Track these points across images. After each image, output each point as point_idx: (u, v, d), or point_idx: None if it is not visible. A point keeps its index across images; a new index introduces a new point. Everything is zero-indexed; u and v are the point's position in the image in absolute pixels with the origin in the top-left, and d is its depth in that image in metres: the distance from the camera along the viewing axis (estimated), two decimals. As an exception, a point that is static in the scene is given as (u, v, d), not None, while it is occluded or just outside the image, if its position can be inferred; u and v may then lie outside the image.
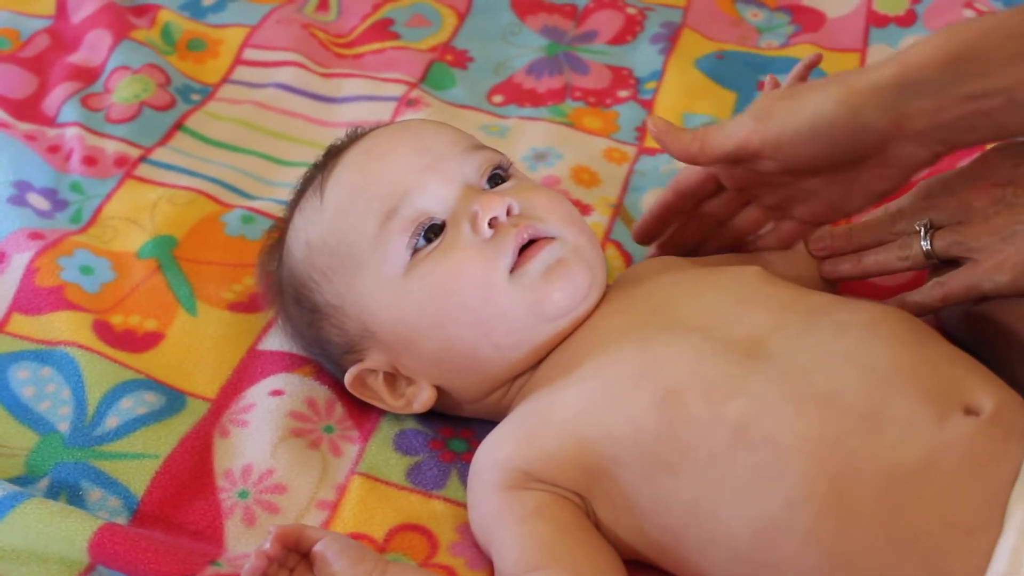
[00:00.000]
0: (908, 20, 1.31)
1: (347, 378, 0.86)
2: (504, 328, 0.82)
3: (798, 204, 0.91)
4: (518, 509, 0.77)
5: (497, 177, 0.87)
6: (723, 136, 0.87)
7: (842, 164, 0.85)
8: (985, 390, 0.73)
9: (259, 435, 0.88)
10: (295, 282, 0.88)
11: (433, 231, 0.82)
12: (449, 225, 0.83)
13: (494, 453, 0.80)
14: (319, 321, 0.87)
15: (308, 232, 0.86)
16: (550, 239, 0.83)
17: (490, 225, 0.81)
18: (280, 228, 0.93)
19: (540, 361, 0.84)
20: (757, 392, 0.73)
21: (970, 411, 0.71)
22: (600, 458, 0.76)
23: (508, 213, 0.82)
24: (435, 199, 0.83)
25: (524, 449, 0.78)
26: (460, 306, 0.81)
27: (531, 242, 0.82)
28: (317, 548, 0.74)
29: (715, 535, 0.73)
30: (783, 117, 0.83)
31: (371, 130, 0.91)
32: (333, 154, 0.90)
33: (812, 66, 0.99)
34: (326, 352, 0.89)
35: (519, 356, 0.84)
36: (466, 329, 0.82)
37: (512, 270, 0.81)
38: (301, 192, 0.91)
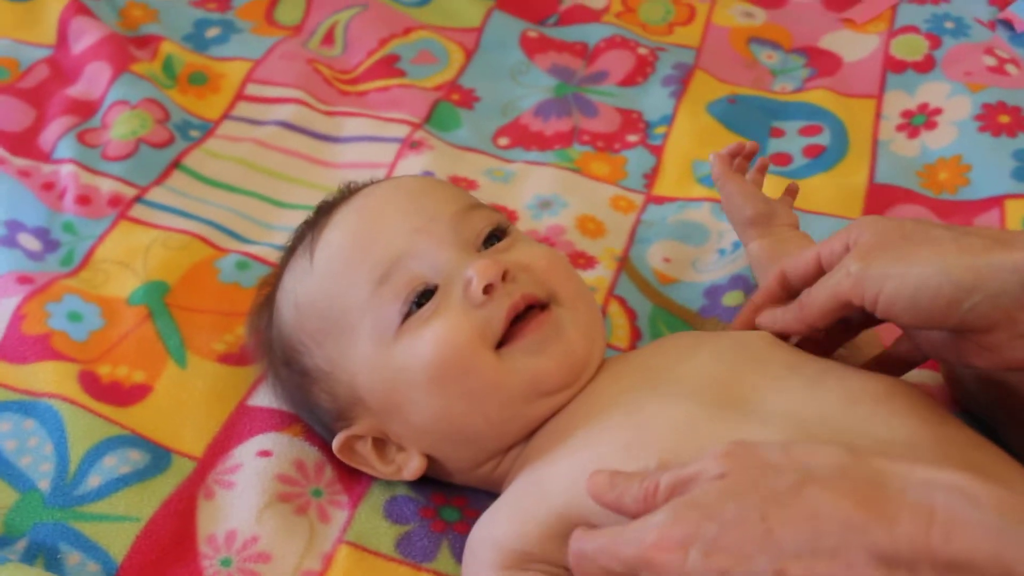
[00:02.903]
0: (927, 66, 1.28)
1: (335, 445, 0.83)
2: (497, 402, 0.79)
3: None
4: None
5: (494, 238, 0.84)
6: (822, 300, 0.76)
7: (941, 329, 0.74)
8: (1010, 479, 0.70)
9: (245, 498, 0.85)
10: (284, 345, 0.85)
11: (426, 296, 0.79)
12: (442, 290, 0.79)
13: (491, 531, 0.77)
14: (309, 385, 0.84)
15: (297, 294, 0.84)
16: (546, 309, 0.80)
17: (484, 291, 0.78)
18: (270, 284, 0.90)
19: (534, 431, 0.81)
20: None
21: None
22: None
23: (503, 278, 0.79)
24: (428, 263, 0.80)
25: (520, 527, 0.75)
26: (448, 377, 0.78)
27: (528, 308, 0.80)
28: None
29: None
30: (884, 278, 0.72)
31: (363, 186, 0.88)
32: (324, 211, 0.87)
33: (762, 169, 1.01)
34: (316, 417, 0.86)
35: (513, 429, 0.81)
36: (456, 400, 0.79)
37: (504, 344, 0.78)
38: (291, 251, 0.88)
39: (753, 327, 0.85)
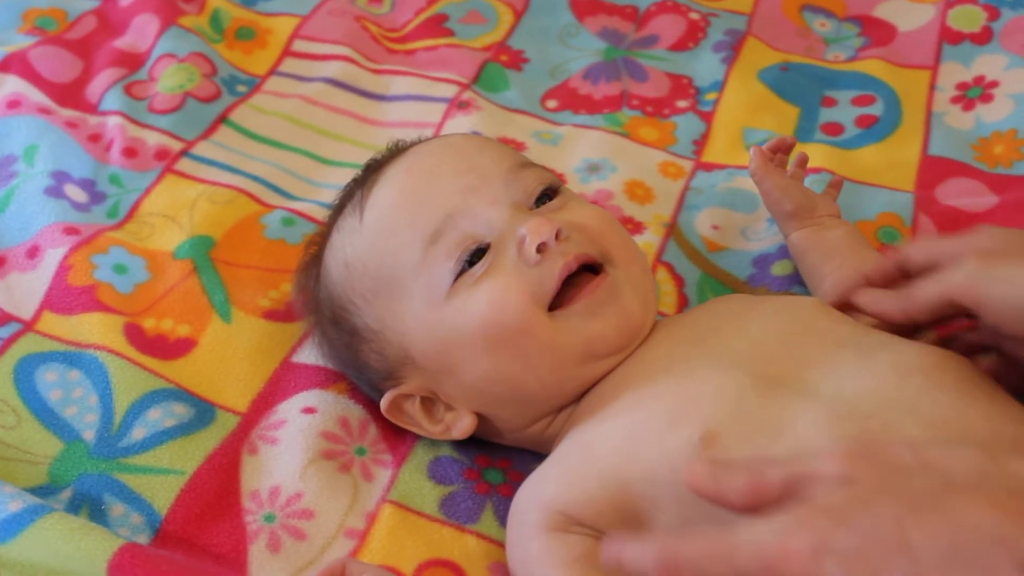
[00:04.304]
0: (984, 38, 1.26)
1: (383, 404, 0.83)
2: (550, 363, 0.78)
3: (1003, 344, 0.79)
4: (564, 553, 0.73)
5: (546, 197, 0.83)
6: (930, 295, 0.74)
7: None
8: None
9: (289, 455, 0.85)
10: (333, 304, 0.84)
11: (478, 255, 0.79)
12: (494, 248, 0.79)
13: (537, 493, 0.76)
14: (358, 344, 0.83)
15: (347, 253, 0.83)
16: (601, 271, 0.79)
17: (538, 250, 0.77)
18: (317, 243, 0.89)
19: (585, 392, 0.81)
20: (804, 435, 0.68)
21: None
22: (641, 501, 0.72)
23: (556, 237, 0.78)
24: (481, 221, 0.79)
25: (565, 490, 0.74)
26: (501, 337, 0.77)
27: (582, 268, 0.79)
28: None
29: None
30: (999, 283, 0.70)
31: (413, 144, 0.87)
32: (373, 169, 0.86)
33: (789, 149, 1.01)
34: (364, 376, 0.85)
35: (566, 390, 0.80)
36: (509, 361, 0.78)
37: (559, 306, 0.78)
38: (339, 209, 0.87)
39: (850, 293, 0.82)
